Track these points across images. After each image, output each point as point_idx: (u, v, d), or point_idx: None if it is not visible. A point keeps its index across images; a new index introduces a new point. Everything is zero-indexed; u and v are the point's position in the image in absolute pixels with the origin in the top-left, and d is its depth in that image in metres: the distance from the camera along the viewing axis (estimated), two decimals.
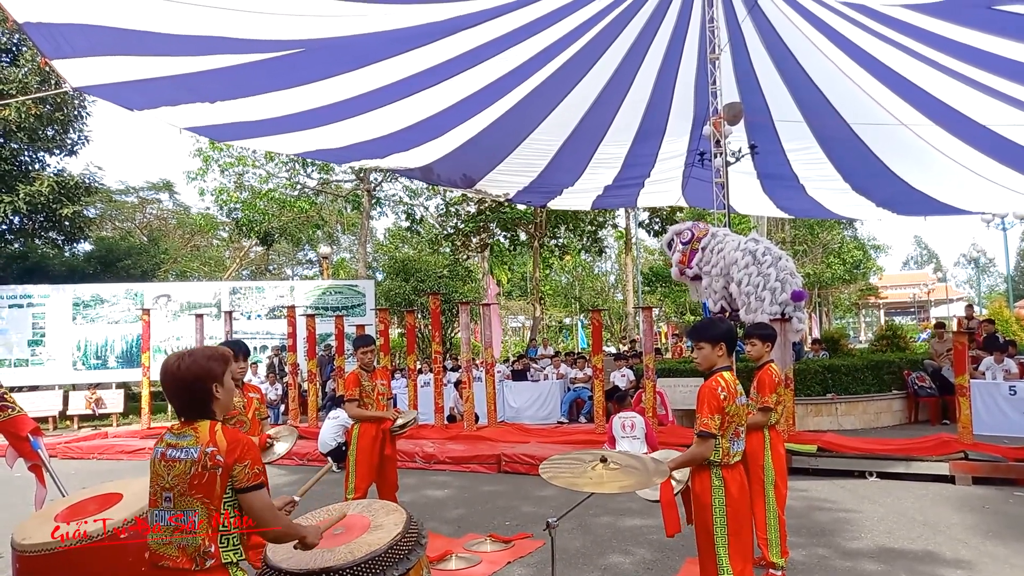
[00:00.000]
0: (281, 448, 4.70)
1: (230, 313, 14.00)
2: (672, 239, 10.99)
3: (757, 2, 10.28)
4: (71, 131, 19.61)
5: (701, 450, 3.29)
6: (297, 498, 2.89)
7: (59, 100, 17.92)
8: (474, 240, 25.14)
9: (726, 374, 3.37)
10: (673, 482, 3.41)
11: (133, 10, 7.85)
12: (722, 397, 3.27)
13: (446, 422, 11.93)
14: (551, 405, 13.13)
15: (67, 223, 19.48)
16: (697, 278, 10.77)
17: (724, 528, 3.26)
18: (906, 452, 7.77)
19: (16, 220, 19.13)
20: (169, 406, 17.45)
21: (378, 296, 22.50)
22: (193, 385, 2.32)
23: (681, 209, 21.65)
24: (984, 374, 10.41)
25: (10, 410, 4.33)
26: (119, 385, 17.27)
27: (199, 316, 13.69)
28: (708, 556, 3.30)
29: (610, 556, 5.22)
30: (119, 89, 9.01)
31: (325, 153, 13.12)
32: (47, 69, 12.70)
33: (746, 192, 14.50)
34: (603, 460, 3.30)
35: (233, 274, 31.08)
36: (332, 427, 9.55)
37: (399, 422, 5.89)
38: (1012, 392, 9.77)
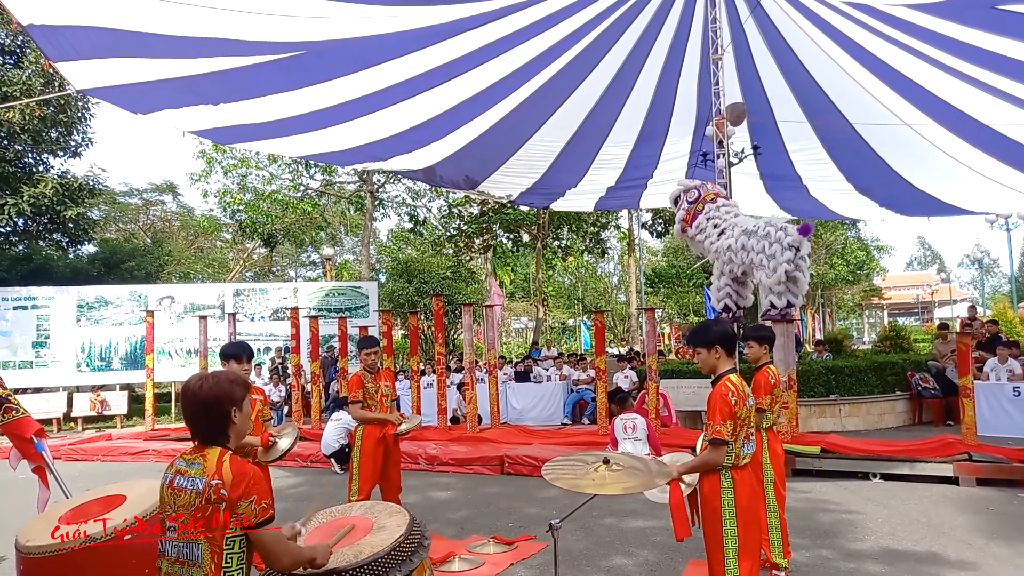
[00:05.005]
0: (284, 443, 4.70)
1: (234, 315, 14.03)
2: (679, 196, 10.51)
3: (760, 2, 10.26)
4: (75, 133, 19.69)
5: (714, 457, 3.28)
6: (301, 528, 2.69)
7: (63, 102, 17.99)
8: (477, 241, 25.15)
9: (733, 377, 3.35)
10: (682, 485, 3.41)
11: (137, 12, 7.86)
12: (733, 402, 3.26)
13: (449, 424, 11.94)
14: (554, 406, 13.14)
15: (71, 225, 19.57)
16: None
17: (734, 530, 3.25)
18: (910, 453, 7.76)
19: (20, 222, 19.23)
20: (173, 409, 17.54)
21: (381, 298, 22.52)
22: (212, 407, 2.29)
23: None
24: (988, 375, 10.38)
25: (14, 412, 4.34)
26: (123, 387, 17.30)
27: (203, 318, 13.73)
28: (717, 558, 3.30)
29: (613, 558, 5.22)
30: (122, 92, 9.02)
31: (328, 156, 13.12)
32: (51, 71, 12.73)
33: (749, 193, 14.45)
34: (606, 461, 3.30)
35: (237, 276, 31.13)
36: (335, 429, 9.57)
37: (402, 427, 5.89)
38: (1016, 393, 9.75)
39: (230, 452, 2.28)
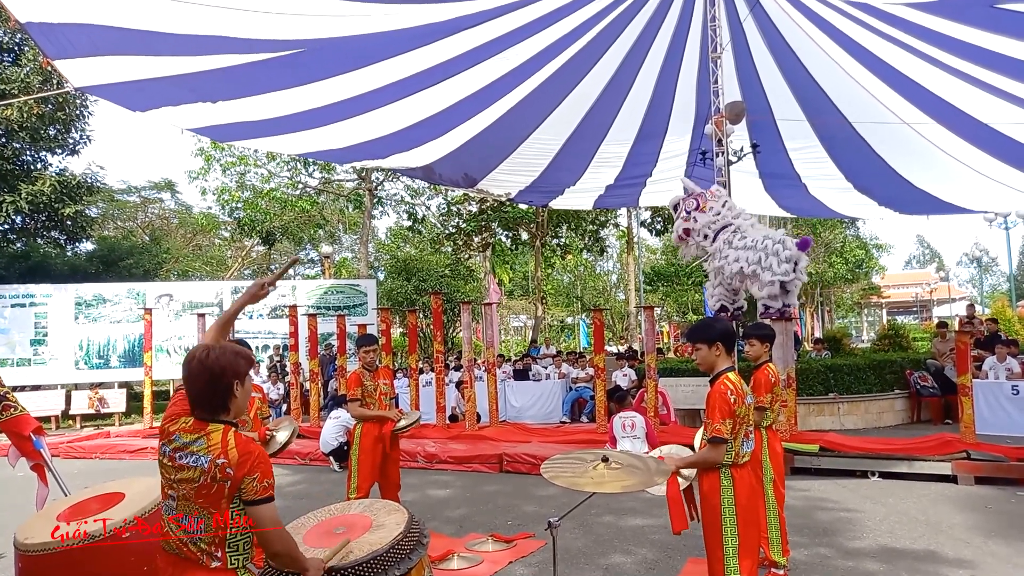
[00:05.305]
0: (282, 436, 4.68)
1: None
2: (679, 204, 10.61)
3: (758, 1, 10.25)
4: (73, 130, 19.65)
5: (714, 455, 3.29)
6: (270, 287, 2.89)
7: (61, 100, 17.95)
8: (476, 239, 25.16)
9: (732, 375, 3.36)
10: (680, 479, 3.41)
11: (135, 10, 7.85)
12: (732, 400, 3.26)
13: (448, 422, 11.94)
14: (553, 405, 13.14)
15: (69, 222, 19.51)
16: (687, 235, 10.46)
17: (734, 528, 3.26)
18: (908, 452, 7.77)
19: (18, 220, 19.17)
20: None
21: (380, 295, 22.51)
22: (218, 377, 2.26)
23: None
24: (987, 374, 10.39)
25: (12, 409, 4.33)
26: (121, 384, 17.29)
27: (201, 316, 13.71)
28: (716, 556, 3.30)
29: (612, 556, 5.22)
30: (121, 89, 9.00)
31: (327, 154, 13.12)
32: (49, 69, 12.71)
33: (748, 191, 14.45)
34: (605, 460, 3.30)
35: (235, 273, 31.11)
36: (334, 427, 9.57)
37: (401, 423, 5.89)
38: (1015, 392, 9.75)
39: (234, 429, 2.27)
